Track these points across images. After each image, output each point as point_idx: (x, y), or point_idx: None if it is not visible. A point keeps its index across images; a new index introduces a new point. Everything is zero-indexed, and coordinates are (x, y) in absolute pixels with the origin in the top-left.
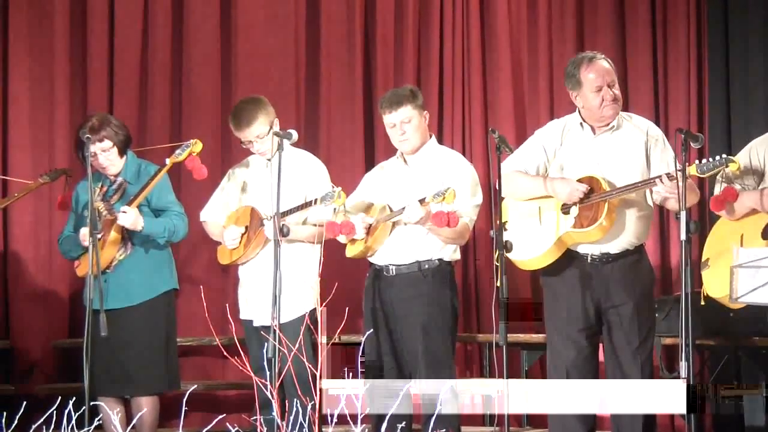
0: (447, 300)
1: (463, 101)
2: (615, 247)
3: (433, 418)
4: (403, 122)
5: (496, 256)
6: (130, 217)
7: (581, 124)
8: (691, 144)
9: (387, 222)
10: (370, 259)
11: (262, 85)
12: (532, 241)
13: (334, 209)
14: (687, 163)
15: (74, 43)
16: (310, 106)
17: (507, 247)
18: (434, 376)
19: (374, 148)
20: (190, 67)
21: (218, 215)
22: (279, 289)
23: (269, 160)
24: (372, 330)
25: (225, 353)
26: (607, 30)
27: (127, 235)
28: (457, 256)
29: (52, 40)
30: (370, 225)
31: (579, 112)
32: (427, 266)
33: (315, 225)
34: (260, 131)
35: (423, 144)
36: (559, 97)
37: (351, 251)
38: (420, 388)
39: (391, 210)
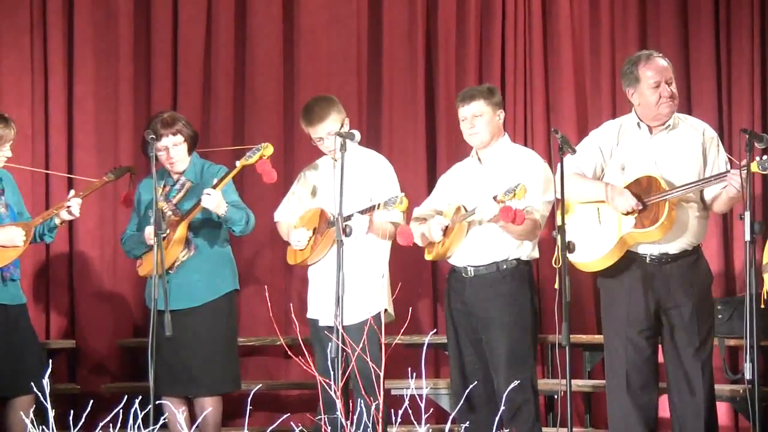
0: (526, 299)
1: (525, 102)
2: (674, 247)
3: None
4: (474, 116)
5: (554, 258)
6: (214, 200)
7: (638, 124)
8: (756, 144)
9: (462, 222)
10: (450, 261)
11: (324, 87)
12: (592, 243)
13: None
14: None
15: (138, 44)
16: (371, 108)
17: (570, 248)
18: (514, 376)
19: (436, 149)
20: (252, 69)
21: (290, 216)
22: (342, 289)
23: (336, 160)
24: (453, 331)
25: (289, 353)
26: (669, 31)
27: (191, 236)
28: (536, 254)
29: (117, 42)
30: (447, 227)
31: (635, 111)
32: (505, 266)
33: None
34: (332, 128)
35: (493, 140)
36: (621, 97)
37: (429, 255)
38: (499, 388)
39: (465, 210)
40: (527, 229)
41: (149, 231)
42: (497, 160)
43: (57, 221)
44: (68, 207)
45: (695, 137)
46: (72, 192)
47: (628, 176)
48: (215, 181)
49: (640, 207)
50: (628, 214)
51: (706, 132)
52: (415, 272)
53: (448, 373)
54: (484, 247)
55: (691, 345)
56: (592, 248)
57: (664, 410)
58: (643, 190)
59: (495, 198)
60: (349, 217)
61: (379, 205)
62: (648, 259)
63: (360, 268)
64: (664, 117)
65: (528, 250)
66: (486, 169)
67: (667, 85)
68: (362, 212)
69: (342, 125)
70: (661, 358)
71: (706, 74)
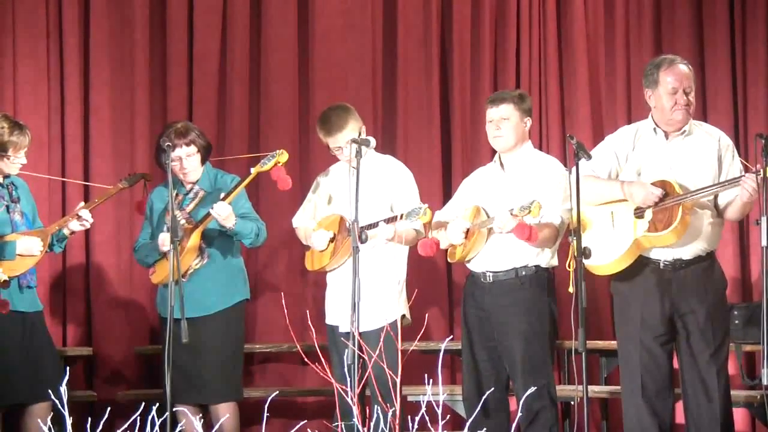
0: (545, 306)
1: (540, 107)
2: (688, 252)
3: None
4: (502, 118)
5: (567, 262)
6: (225, 211)
7: (654, 129)
8: None
9: (482, 229)
10: (468, 266)
11: (339, 93)
12: (605, 247)
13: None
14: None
15: (154, 52)
16: (387, 113)
17: (586, 253)
18: (531, 383)
19: (451, 154)
20: (268, 75)
21: (308, 221)
22: (358, 296)
23: (354, 167)
24: (469, 337)
25: (305, 359)
26: (685, 35)
27: (204, 244)
28: (555, 262)
29: (133, 50)
30: (468, 229)
31: (651, 116)
32: (524, 273)
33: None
34: (350, 137)
35: (516, 146)
36: (636, 102)
37: (452, 258)
38: (517, 395)
39: (486, 213)
40: (546, 237)
41: (163, 238)
42: (519, 167)
43: (66, 232)
44: (78, 216)
45: (711, 144)
46: (81, 204)
47: (644, 181)
48: (228, 191)
49: (663, 193)
50: (647, 208)
51: (722, 139)
52: (432, 279)
53: None
54: (503, 253)
55: (706, 350)
56: (606, 251)
57: (679, 416)
58: None
59: (511, 212)
60: (372, 225)
61: (402, 215)
62: (662, 265)
63: (378, 274)
64: (677, 123)
65: (547, 258)
66: (508, 175)
67: (685, 94)
68: (387, 221)
69: (359, 133)
70: (675, 364)
71: (722, 79)
